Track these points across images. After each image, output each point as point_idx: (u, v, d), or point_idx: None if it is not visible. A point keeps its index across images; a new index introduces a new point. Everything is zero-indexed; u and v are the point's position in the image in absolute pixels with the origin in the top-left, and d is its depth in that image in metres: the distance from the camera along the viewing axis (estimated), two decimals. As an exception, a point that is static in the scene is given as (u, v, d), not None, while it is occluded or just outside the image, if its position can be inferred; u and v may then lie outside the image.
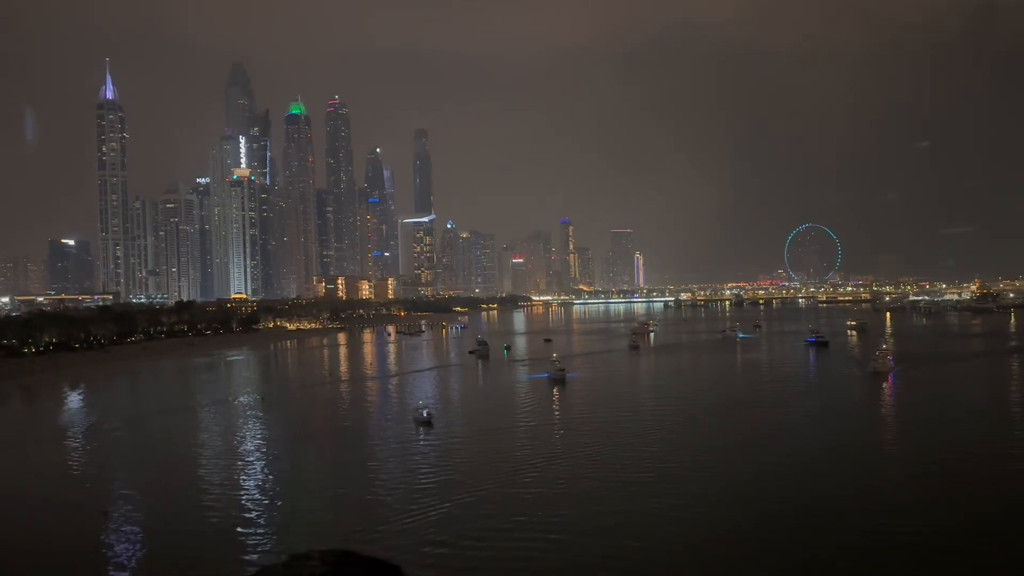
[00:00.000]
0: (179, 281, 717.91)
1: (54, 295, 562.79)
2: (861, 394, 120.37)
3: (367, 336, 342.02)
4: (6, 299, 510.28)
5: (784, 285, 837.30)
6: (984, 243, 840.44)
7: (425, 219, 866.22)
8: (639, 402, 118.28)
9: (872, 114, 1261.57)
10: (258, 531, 59.39)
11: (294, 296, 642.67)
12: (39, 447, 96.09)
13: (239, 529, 59.64)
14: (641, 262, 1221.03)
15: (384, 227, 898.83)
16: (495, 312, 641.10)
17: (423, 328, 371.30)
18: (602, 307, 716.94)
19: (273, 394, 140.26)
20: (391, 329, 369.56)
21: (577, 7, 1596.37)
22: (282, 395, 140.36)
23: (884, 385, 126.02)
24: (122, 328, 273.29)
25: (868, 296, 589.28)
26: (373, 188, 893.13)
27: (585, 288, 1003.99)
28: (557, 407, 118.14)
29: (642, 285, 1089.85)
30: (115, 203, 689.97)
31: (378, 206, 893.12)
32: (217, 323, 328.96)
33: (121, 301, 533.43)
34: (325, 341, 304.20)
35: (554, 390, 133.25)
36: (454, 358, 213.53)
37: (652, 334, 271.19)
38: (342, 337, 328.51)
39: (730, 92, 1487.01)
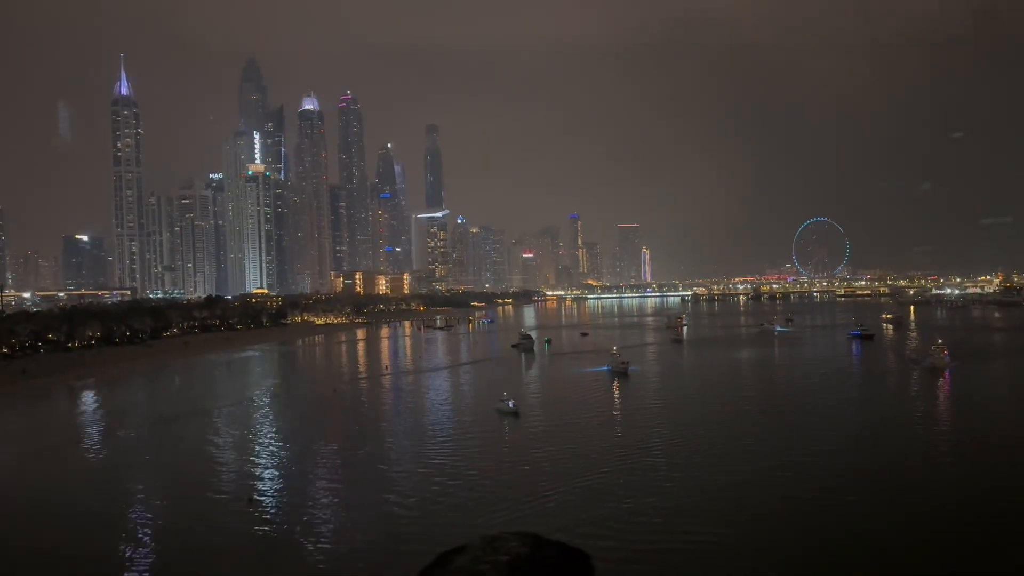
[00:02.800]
0: (195, 277, 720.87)
1: (73, 290, 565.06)
2: (932, 392, 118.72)
3: (400, 330, 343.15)
4: (27, 294, 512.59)
5: (792, 279, 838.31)
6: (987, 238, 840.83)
7: (439, 214, 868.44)
8: (711, 394, 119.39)
9: (877, 107, 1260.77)
10: (419, 518, 60.73)
11: (309, 291, 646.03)
12: (179, 441, 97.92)
13: (403, 514, 61.14)
14: (648, 257, 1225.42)
15: (396, 222, 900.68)
16: (510, 307, 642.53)
17: (438, 322, 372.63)
18: (615, 302, 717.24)
19: (342, 387, 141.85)
20: (407, 325, 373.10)
21: (584, 1, 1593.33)
22: (350, 388, 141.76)
23: (942, 381, 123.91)
24: (158, 323, 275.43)
25: (886, 290, 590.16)
26: (384, 183, 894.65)
27: (593, 283, 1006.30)
28: (631, 398, 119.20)
29: (649, 280, 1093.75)
30: (130, 199, 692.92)
31: (389, 201, 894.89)
32: (247, 318, 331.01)
33: (138, 297, 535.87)
34: (357, 335, 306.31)
35: (615, 382, 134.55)
36: (496, 351, 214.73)
37: (685, 328, 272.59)
38: (364, 332, 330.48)
39: (736, 87, 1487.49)
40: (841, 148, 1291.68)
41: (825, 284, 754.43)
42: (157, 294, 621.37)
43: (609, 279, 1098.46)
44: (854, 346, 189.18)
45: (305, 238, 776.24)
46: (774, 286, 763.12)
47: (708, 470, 70.10)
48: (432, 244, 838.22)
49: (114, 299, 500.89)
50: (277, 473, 75.98)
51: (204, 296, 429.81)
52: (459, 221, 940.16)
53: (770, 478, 66.88)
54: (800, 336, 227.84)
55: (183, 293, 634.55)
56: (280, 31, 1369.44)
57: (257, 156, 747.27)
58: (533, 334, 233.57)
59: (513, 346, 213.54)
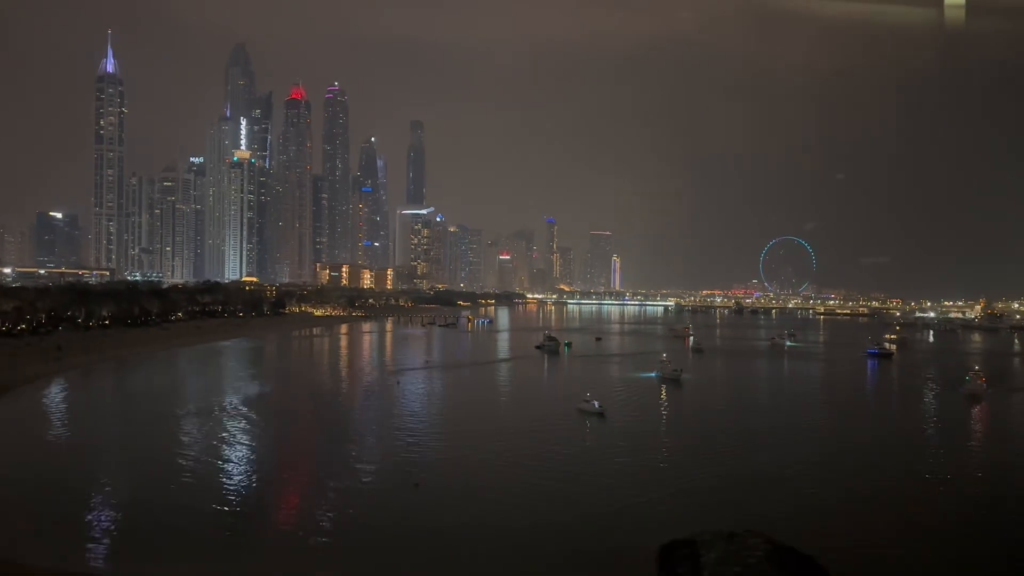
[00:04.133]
0: (172, 260, 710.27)
1: (53, 268, 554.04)
2: (987, 422, 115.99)
3: (400, 325, 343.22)
4: (8, 269, 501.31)
5: (759, 295, 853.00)
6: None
7: (423, 211, 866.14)
8: (776, 403, 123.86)
9: (842, 134, 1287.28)
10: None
11: (287, 280, 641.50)
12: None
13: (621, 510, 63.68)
14: (618, 265, 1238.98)
15: (376, 217, 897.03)
16: (492, 308, 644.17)
17: (437, 320, 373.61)
18: (594, 308, 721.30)
19: (399, 378, 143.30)
20: (390, 321, 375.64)
21: (576, 7, 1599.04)
22: (407, 379, 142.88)
23: (979, 409, 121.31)
24: (166, 306, 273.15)
25: (865, 310, 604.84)
26: (366, 177, 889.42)
27: (565, 288, 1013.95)
28: (697, 404, 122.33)
29: (618, 288, 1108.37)
30: (111, 178, 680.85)
31: (370, 195, 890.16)
32: (249, 305, 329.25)
33: (116, 278, 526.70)
34: (363, 328, 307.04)
35: (663, 388, 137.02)
36: (518, 351, 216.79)
37: (692, 338, 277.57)
38: (368, 326, 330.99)
39: (712, 106, 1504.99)
40: (808, 170, 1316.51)
41: (799, 301, 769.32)
42: (135, 276, 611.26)
43: (580, 285, 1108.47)
44: (873, 364, 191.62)
45: (286, 227, 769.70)
46: (748, 300, 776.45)
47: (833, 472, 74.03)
48: (416, 241, 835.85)
49: (93, 278, 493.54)
50: (429, 459, 77.91)
51: (183, 281, 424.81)
52: (438, 219, 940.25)
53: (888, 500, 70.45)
54: (814, 352, 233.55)
55: (161, 276, 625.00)
56: (267, 18, 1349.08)
57: (243, 142, 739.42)
58: (567, 337, 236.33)
59: (537, 347, 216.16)
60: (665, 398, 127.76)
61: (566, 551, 52.92)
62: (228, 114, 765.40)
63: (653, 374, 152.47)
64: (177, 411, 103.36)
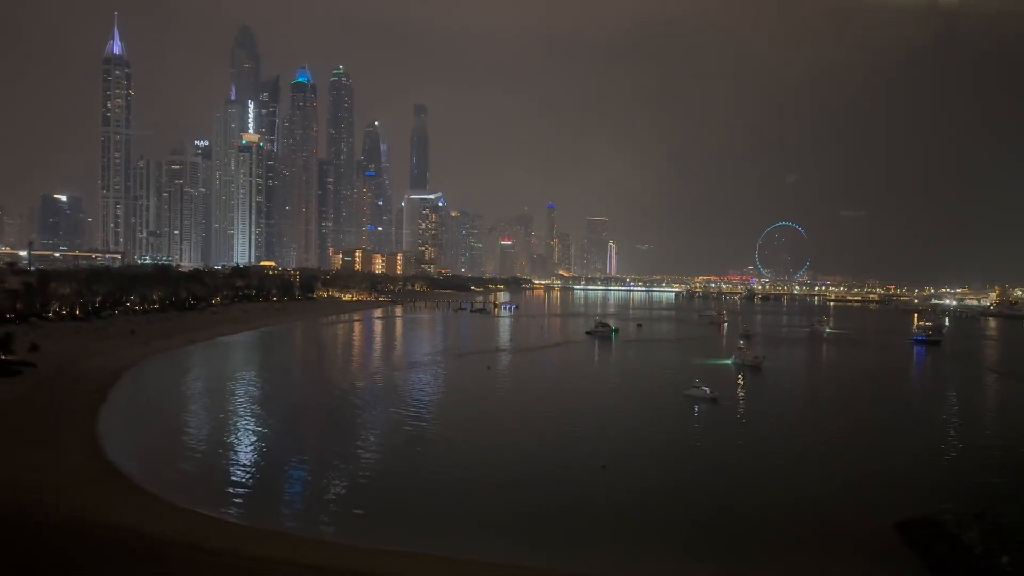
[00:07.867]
0: (180, 244, 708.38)
1: (67, 251, 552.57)
2: None
3: (422, 310, 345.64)
4: (24, 252, 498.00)
5: (754, 281, 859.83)
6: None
7: (430, 196, 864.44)
8: (877, 391, 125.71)
9: (837, 119, 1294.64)
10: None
11: (295, 265, 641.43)
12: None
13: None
14: (615, 251, 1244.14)
15: (380, 201, 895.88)
16: (501, 293, 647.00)
17: (469, 305, 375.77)
18: (600, 294, 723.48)
19: (493, 361, 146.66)
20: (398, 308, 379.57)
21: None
22: (501, 363, 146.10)
23: None
24: (207, 291, 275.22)
25: (876, 297, 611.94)
26: (369, 161, 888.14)
27: (564, 273, 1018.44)
28: (794, 389, 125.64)
29: (614, 273, 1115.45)
30: (118, 161, 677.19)
31: (374, 180, 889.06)
32: (281, 290, 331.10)
33: (125, 262, 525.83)
34: (395, 312, 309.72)
35: (740, 375, 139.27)
36: (564, 336, 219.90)
37: (726, 324, 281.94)
38: (399, 310, 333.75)
39: (705, 93, 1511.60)
40: (808, 154, 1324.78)
41: (799, 287, 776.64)
42: (145, 259, 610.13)
43: (577, 270, 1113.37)
44: (921, 351, 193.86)
45: (293, 212, 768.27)
46: (753, 286, 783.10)
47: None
48: (423, 226, 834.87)
49: (106, 262, 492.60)
50: (594, 441, 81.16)
51: (201, 265, 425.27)
52: (440, 204, 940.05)
53: None
54: (856, 338, 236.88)
55: (169, 260, 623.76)
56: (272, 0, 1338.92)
57: (250, 126, 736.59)
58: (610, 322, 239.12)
59: (587, 332, 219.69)
60: (758, 385, 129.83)
61: (799, 531, 55.65)
62: (234, 97, 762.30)
63: (728, 361, 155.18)
64: (318, 391, 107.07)
